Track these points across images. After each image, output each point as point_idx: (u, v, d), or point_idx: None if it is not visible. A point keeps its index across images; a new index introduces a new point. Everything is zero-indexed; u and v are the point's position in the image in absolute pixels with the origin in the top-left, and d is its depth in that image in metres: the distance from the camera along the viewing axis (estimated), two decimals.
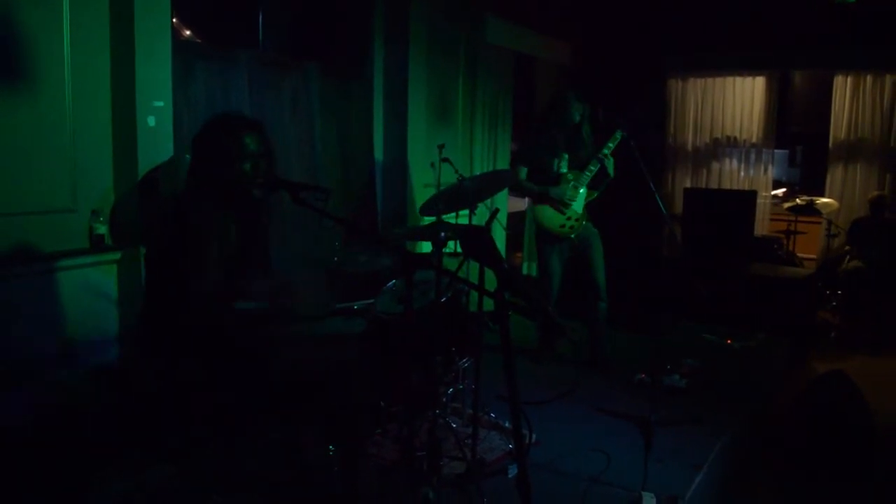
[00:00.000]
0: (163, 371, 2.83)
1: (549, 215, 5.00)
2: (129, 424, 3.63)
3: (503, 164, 7.76)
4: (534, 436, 3.64)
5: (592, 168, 4.91)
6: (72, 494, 3.18)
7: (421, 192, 6.23)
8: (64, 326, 3.85)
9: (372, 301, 3.79)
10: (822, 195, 8.11)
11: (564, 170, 5.00)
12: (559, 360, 5.26)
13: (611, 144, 4.92)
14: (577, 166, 5.00)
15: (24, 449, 3.39)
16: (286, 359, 2.86)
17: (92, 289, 3.97)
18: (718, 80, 8.82)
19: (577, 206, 4.99)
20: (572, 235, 5.00)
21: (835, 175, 8.28)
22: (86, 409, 3.78)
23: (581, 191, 4.99)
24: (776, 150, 8.98)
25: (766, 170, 8.72)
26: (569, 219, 4.97)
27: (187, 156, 2.91)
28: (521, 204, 8.72)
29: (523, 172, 5.13)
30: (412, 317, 2.49)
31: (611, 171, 4.95)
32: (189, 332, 2.71)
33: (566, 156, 5.01)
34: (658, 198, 4.56)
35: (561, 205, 4.97)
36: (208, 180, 2.82)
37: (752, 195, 7.95)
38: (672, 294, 6.50)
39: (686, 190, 8.42)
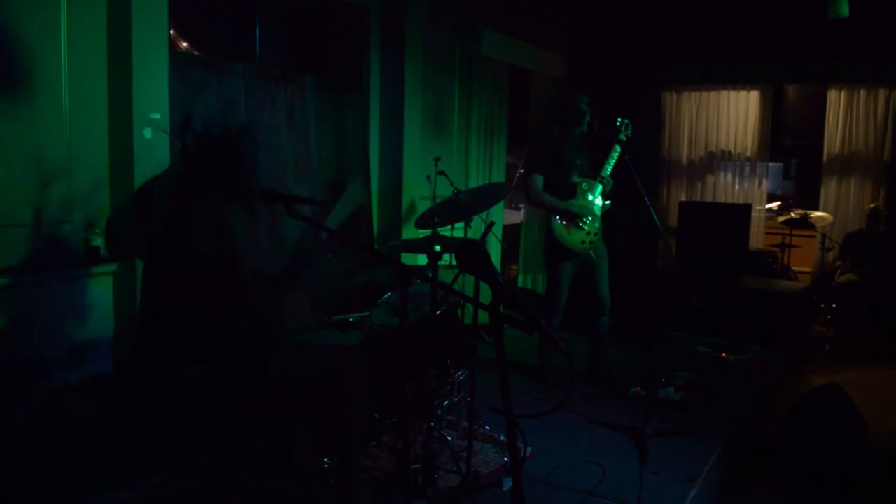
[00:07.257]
0: (160, 379, 2.83)
1: (571, 232, 4.78)
2: (121, 433, 3.62)
3: (499, 176, 7.77)
4: (529, 449, 3.64)
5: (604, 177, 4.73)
6: (63, 502, 3.17)
7: (416, 205, 6.24)
8: (59, 337, 3.84)
9: (367, 313, 3.79)
10: (817, 209, 8.13)
11: (577, 178, 4.82)
12: (556, 373, 5.20)
13: (607, 167, 4.78)
14: (585, 174, 4.83)
15: (16, 456, 3.39)
16: (282, 370, 2.86)
17: (87, 300, 3.97)
18: (713, 93, 8.85)
19: (596, 220, 4.81)
20: (591, 251, 4.82)
21: (829, 189, 8.31)
22: (79, 417, 3.78)
23: (597, 202, 4.82)
24: (770, 164, 9.01)
25: (760, 183, 8.75)
26: (588, 234, 4.79)
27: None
28: (517, 217, 8.73)
29: (539, 182, 4.81)
30: (407, 329, 2.49)
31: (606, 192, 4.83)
32: (194, 340, 2.71)
33: (578, 163, 4.82)
34: (653, 211, 4.54)
35: (583, 220, 4.76)
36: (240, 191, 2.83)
37: (746, 208, 7.98)
38: (666, 307, 6.50)
39: (681, 203, 8.45)
